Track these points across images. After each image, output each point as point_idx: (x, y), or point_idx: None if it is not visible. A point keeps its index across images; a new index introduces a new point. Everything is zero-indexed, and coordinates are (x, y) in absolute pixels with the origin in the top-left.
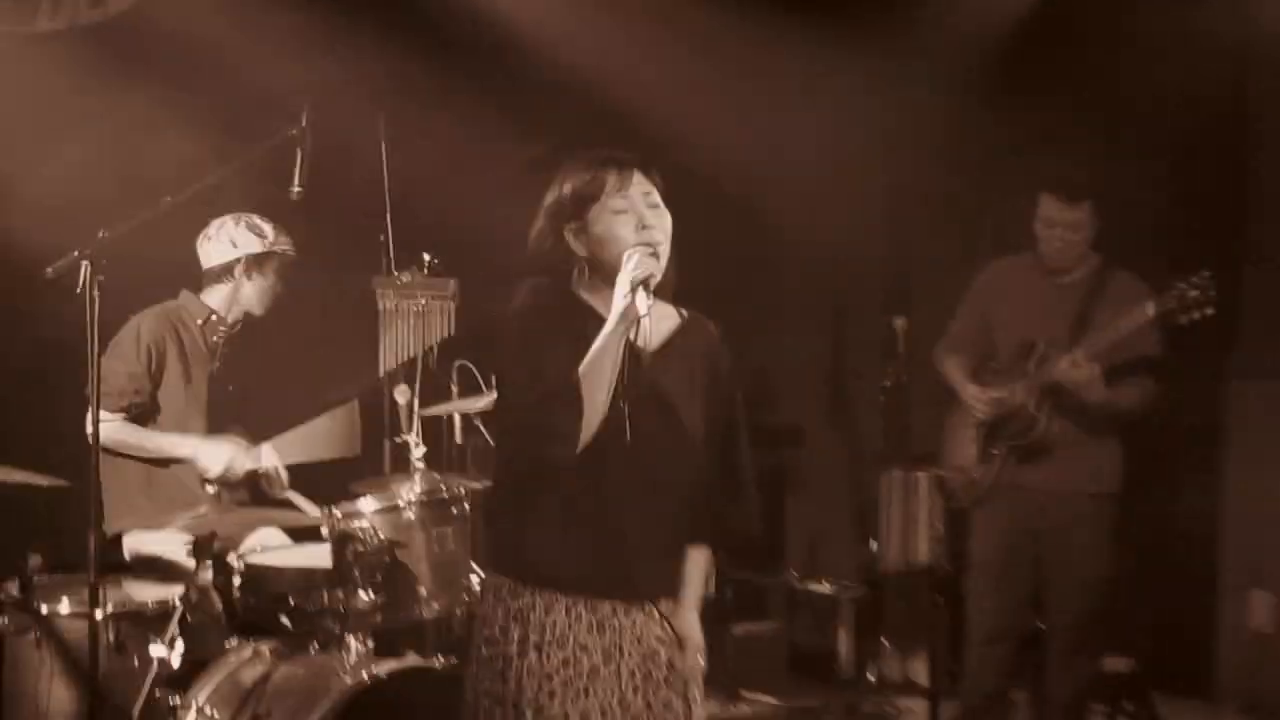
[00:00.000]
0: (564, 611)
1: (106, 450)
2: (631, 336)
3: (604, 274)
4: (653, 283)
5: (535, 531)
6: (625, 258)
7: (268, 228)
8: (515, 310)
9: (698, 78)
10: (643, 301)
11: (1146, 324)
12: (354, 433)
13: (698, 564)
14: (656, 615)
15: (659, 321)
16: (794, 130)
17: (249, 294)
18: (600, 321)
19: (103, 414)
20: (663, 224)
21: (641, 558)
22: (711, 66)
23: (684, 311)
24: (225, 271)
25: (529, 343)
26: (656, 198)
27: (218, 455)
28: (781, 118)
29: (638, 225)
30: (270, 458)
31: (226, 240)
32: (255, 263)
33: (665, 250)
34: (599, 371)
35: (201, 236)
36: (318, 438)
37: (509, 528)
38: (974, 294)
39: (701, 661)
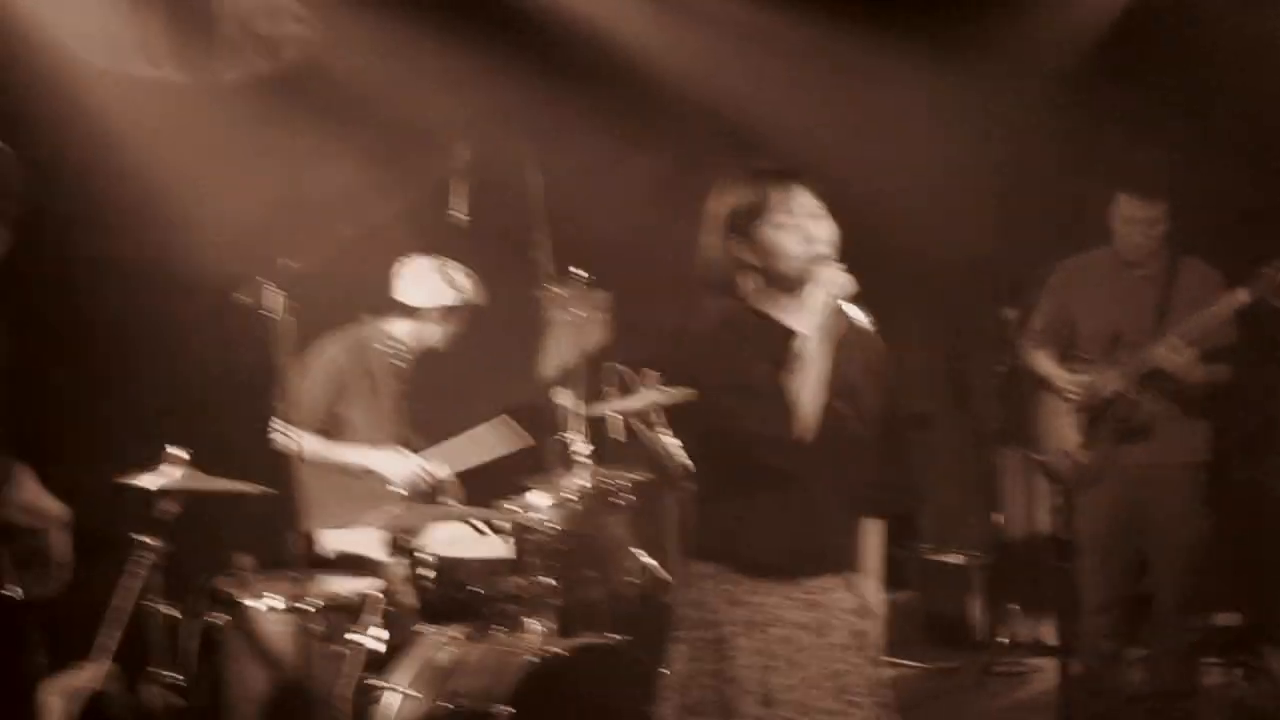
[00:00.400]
0: (777, 592)
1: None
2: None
3: (777, 284)
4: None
5: (744, 521)
6: (816, 275)
7: (463, 280)
8: (706, 328)
9: (815, 93)
10: (855, 313)
11: (1236, 309)
12: (508, 430)
13: (875, 535)
14: (849, 587)
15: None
16: (909, 137)
17: (434, 334)
18: (784, 330)
19: (297, 431)
20: (827, 235)
21: (835, 535)
22: (827, 82)
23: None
24: (417, 312)
25: (727, 357)
26: (819, 209)
27: (395, 468)
28: (897, 125)
29: (803, 238)
30: (440, 469)
31: (425, 286)
32: (448, 312)
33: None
34: (809, 381)
35: (399, 267)
36: (473, 443)
37: (717, 519)
38: (1053, 290)
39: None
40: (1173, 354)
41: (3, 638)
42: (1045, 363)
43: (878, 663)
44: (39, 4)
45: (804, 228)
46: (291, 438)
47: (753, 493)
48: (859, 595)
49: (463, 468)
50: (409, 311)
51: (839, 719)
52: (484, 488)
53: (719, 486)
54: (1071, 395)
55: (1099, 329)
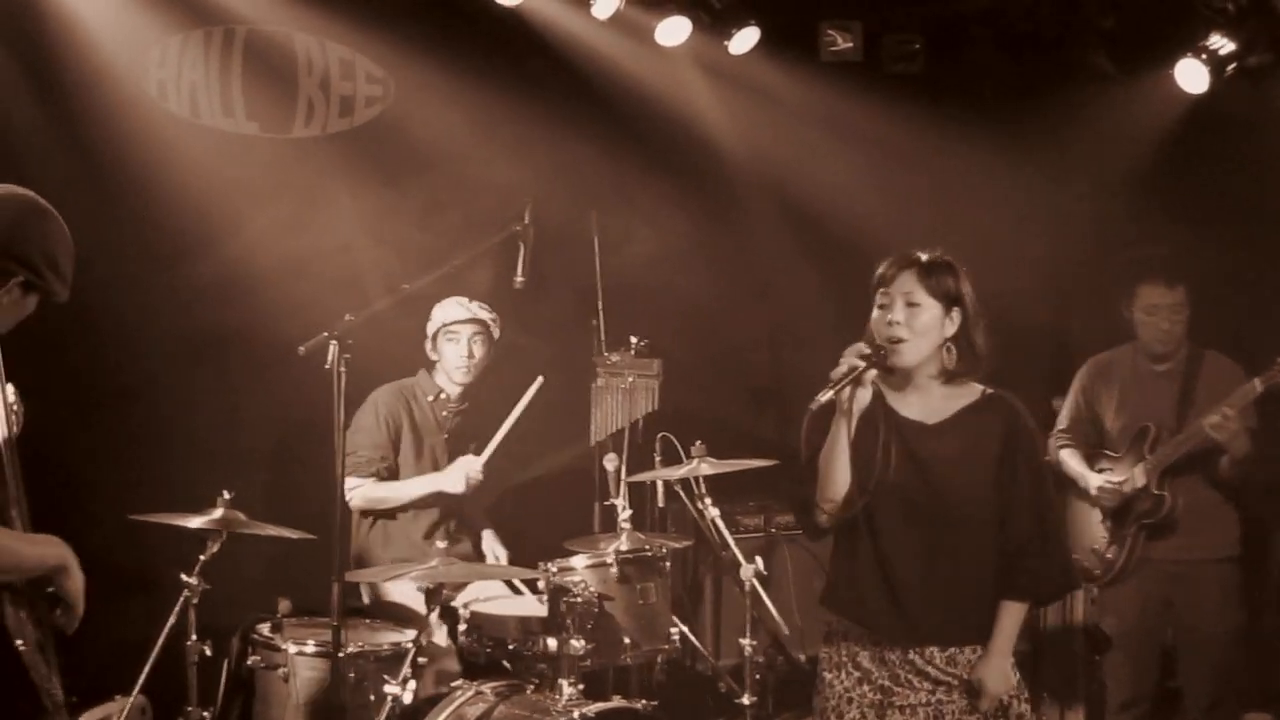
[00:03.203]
0: (885, 652)
1: (364, 511)
2: (911, 414)
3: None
4: (864, 378)
5: (847, 581)
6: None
7: (467, 301)
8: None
9: (879, 178)
10: (860, 394)
11: (1254, 400)
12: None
13: (1010, 615)
14: (964, 660)
15: (947, 400)
16: (967, 224)
17: (450, 359)
18: (878, 403)
19: (356, 480)
20: (911, 322)
21: (944, 608)
22: (892, 169)
23: (989, 390)
24: (432, 344)
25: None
26: (918, 296)
27: (454, 478)
28: (958, 212)
29: (887, 320)
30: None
31: (443, 310)
32: (451, 331)
33: (909, 346)
34: (833, 454)
35: (429, 319)
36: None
37: (833, 577)
38: (1078, 389)
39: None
40: (1224, 422)
41: (14, 682)
42: (1072, 461)
43: None
44: (128, 57)
45: (892, 311)
46: (351, 489)
47: (846, 556)
48: (978, 669)
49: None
50: (429, 351)
51: None
52: (526, 548)
53: (832, 548)
54: (1098, 493)
55: (1124, 424)
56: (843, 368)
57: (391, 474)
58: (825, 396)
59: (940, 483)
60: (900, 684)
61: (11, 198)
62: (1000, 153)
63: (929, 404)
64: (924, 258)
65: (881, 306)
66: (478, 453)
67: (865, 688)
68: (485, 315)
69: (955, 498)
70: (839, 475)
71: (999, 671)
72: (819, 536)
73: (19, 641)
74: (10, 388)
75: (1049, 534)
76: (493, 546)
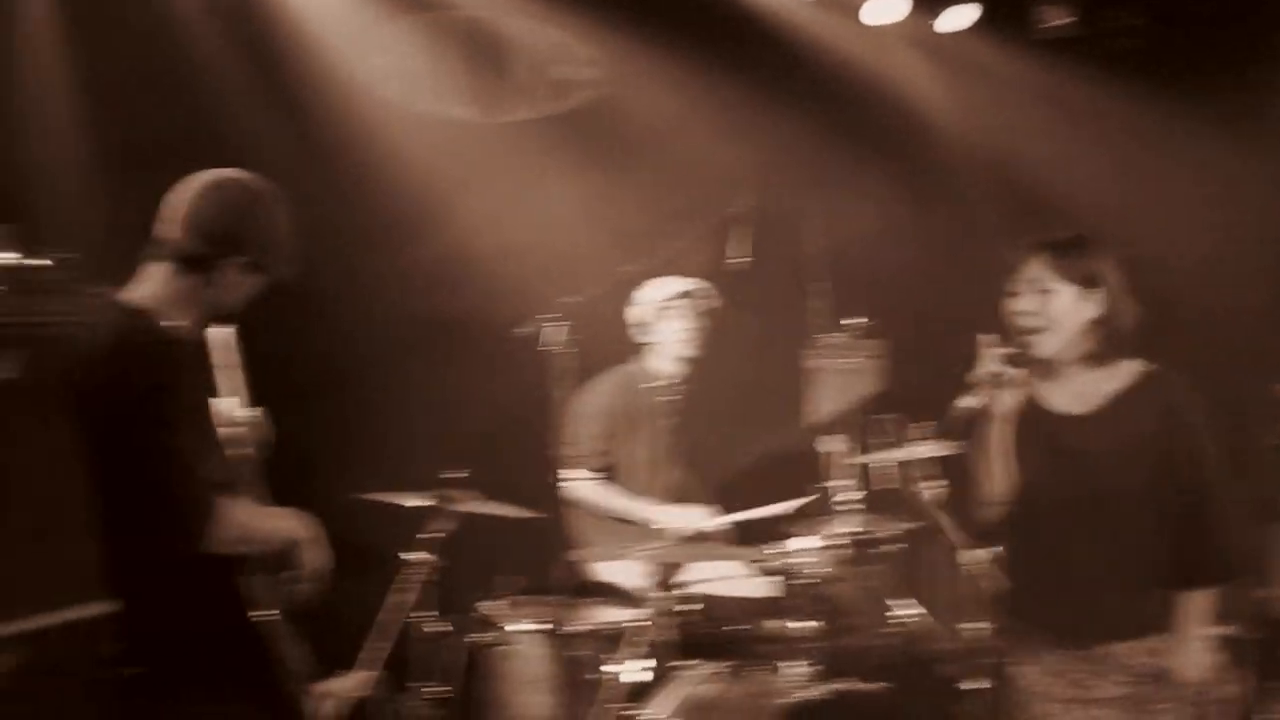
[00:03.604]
0: (1072, 650)
1: (581, 506)
2: (1061, 406)
3: None
4: (1003, 379)
5: (1023, 583)
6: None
7: (682, 279)
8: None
9: (1101, 156)
10: (1004, 396)
11: None
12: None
13: (1195, 599)
14: (1151, 649)
15: (1097, 384)
16: (1193, 203)
17: (669, 336)
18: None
19: (573, 473)
20: (1044, 310)
21: (1121, 599)
22: (1113, 145)
23: (1145, 368)
24: (645, 328)
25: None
26: (1049, 282)
27: (674, 522)
28: (1183, 191)
29: (1018, 309)
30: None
31: (657, 286)
32: (669, 307)
33: (1044, 336)
34: (986, 456)
35: (628, 308)
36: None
37: (1010, 581)
38: None
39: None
40: None
41: (258, 653)
42: None
43: None
44: (345, 43)
45: (1023, 296)
46: (569, 481)
47: (1017, 555)
48: (1168, 660)
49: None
50: (645, 331)
51: None
52: (752, 529)
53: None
54: None
55: None
56: (983, 372)
57: (608, 468)
58: (968, 403)
59: (1099, 474)
60: (1092, 680)
61: (230, 182)
62: (1223, 126)
63: (1078, 392)
64: (1053, 239)
65: (1013, 295)
66: (676, 471)
67: (1059, 682)
68: (701, 290)
69: (1117, 487)
70: (996, 477)
71: (1194, 657)
72: (986, 541)
73: (263, 614)
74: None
75: (1221, 512)
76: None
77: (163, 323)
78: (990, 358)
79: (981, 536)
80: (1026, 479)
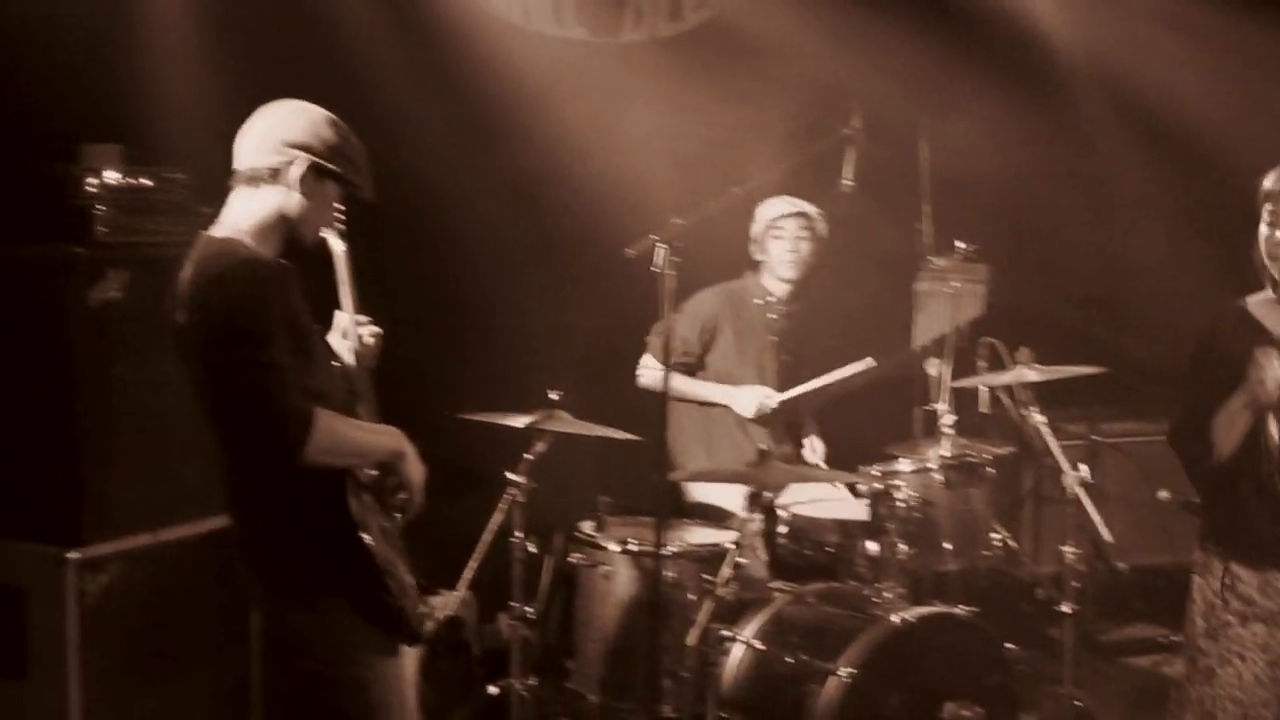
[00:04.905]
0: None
1: (651, 391)
2: None
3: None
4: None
5: (1230, 510)
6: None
7: (792, 198)
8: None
9: (1217, 82)
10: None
11: None
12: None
13: None
14: None
15: None
16: None
17: (776, 255)
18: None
19: (652, 361)
20: None
21: None
22: (1240, 72)
23: None
24: (758, 245)
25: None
26: None
27: (748, 401)
28: None
29: (1278, 238)
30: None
31: (770, 205)
32: (777, 227)
33: None
34: (1233, 423)
35: (752, 221)
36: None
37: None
38: None
39: None
40: None
41: (360, 568)
42: None
43: None
44: None
45: None
46: (655, 370)
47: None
48: None
49: (812, 389)
50: (762, 250)
51: None
52: (847, 453)
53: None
54: None
55: None
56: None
57: (690, 370)
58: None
59: None
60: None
61: (294, 103)
62: None
63: None
64: None
65: (1271, 224)
66: (783, 388)
67: (1230, 595)
68: (811, 210)
69: None
70: (1234, 438)
71: None
72: (1205, 482)
73: (364, 532)
74: (365, 320)
75: None
76: (814, 447)
77: (249, 246)
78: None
79: (1203, 480)
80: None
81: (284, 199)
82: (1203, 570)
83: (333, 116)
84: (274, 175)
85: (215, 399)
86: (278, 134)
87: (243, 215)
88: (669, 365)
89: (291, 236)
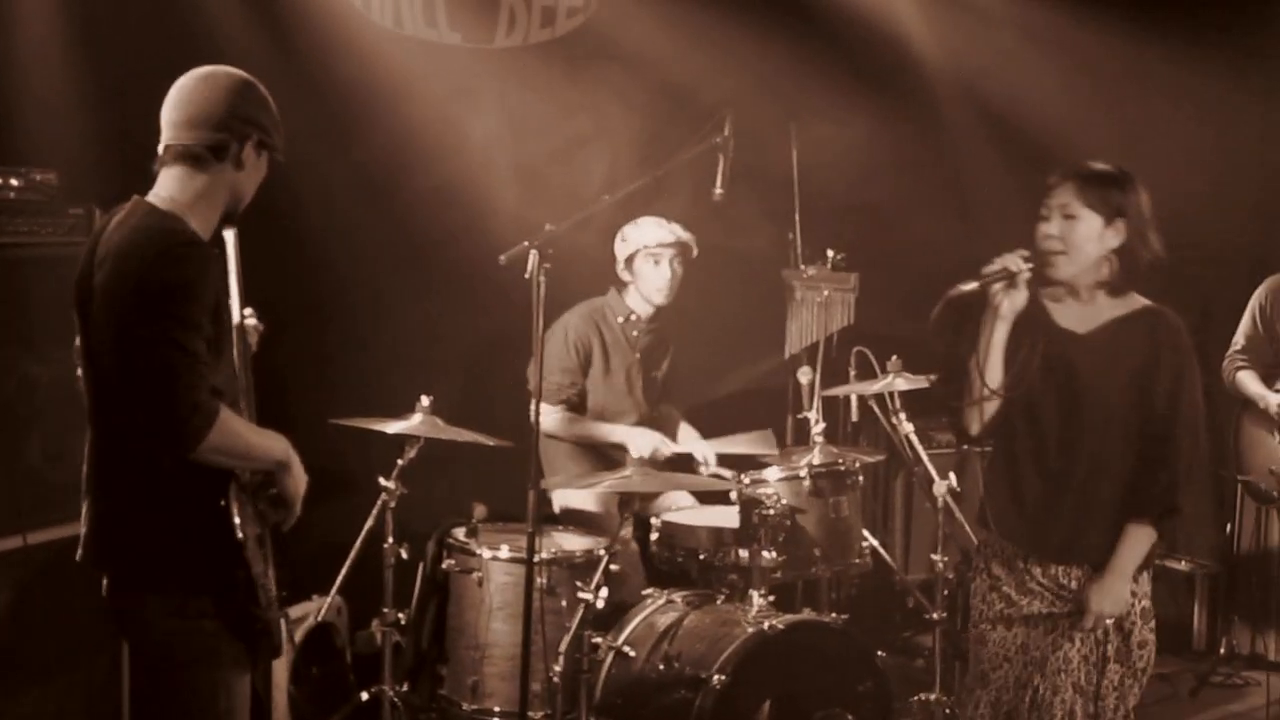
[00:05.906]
0: (1016, 561)
1: (547, 435)
2: (1066, 323)
3: None
4: (1016, 279)
5: (990, 491)
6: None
7: (666, 222)
8: None
9: (1079, 90)
10: (1012, 295)
11: None
12: (768, 440)
13: (1132, 535)
14: (1079, 578)
15: (1104, 310)
16: (1165, 137)
17: (650, 281)
18: (1037, 309)
19: (546, 406)
20: (1067, 235)
21: (1071, 522)
22: (1097, 81)
23: (1146, 304)
24: (626, 265)
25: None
26: (1075, 209)
27: (643, 443)
28: (1169, 128)
29: (1044, 232)
30: (699, 447)
31: (640, 230)
32: (652, 253)
33: (1068, 258)
34: (984, 354)
35: (617, 239)
36: (739, 443)
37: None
38: (1255, 309)
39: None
40: None
41: (234, 573)
42: (1250, 382)
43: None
44: None
45: (1049, 224)
46: (540, 412)
47: (995, 470)
48: (1087, 589)
49: (720, 452)
50: (622, 270)
51: None
52: (720, 460)
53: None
54: (1279, 412)
55: None
56: (995, 265)
57: (580, 399)
58: (967, 287)
59: (1080, 392)
60: (1023, 594)
61: (223, 72)
62: (1205, 63)
63: (1086, 314)
64: (1086, 169)
65: (1042, 219)
66: (650, 403)
67: (994, 595)
68: (686, 237)
69: (1093, 409)
70: (989, 375)
71: (1113, 593)
72: (969, 441)
73: (241, 537)
74: (250, 312)
75: (1178, 450)
76: (694, 443)
77: (189, 225)
78: (1010, 257)
79: (965, 437)
80: (1016, 384)
81: (227, 174)
82: None
83: (255, 80)
84: (218, 152)
85: (120, 370)
86: (220, 106)
87: (183, 190)
88: (538, 400)
89: (222, 214)
